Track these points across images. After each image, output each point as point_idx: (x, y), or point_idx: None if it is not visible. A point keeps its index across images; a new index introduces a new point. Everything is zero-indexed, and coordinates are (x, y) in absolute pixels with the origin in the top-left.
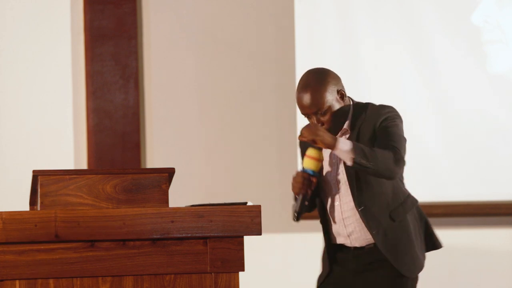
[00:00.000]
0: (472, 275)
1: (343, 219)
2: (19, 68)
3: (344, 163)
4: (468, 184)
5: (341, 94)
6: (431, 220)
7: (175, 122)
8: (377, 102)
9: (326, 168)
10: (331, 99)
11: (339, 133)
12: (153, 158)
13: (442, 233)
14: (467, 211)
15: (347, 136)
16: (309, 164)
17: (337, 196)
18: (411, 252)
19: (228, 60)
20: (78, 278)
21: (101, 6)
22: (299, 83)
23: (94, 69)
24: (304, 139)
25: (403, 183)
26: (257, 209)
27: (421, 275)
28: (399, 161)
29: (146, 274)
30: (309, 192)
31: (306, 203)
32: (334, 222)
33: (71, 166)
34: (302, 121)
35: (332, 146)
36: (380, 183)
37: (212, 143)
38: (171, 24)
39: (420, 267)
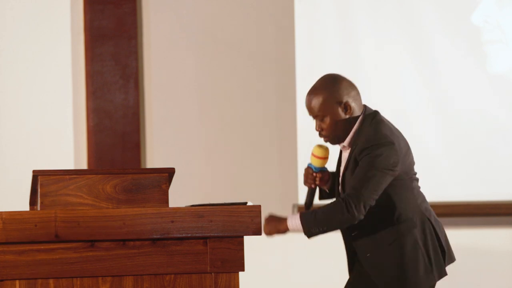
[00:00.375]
0: (472, 275)
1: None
2: (19, 68)
3: (341, 178)
4: (468, 184)
5: (346, 106)
6: None
7: (175, 122)
8: (377, 102)
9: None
10: (331, 107)
11: (340, 146)
12: (153, 158)
13: None
14: (467, 211)
15: (347, 152)
16: (312, 161)
17: None
18: (402, 278)
19: (228, 60)
20: (78, 278)
21: (101, 6)
22: None
23: (94, 69)
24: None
25: (410, 204)
26: (257, 209)
27: None
28: (354, 207)
29: (146, 274)
30: (314, 186)
31: (327, 190)
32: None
33: (71, 166)
34: (302, 121)
35: (286, 230)
36: (371, 212)
37: (212, 143)
38: (171, 24)
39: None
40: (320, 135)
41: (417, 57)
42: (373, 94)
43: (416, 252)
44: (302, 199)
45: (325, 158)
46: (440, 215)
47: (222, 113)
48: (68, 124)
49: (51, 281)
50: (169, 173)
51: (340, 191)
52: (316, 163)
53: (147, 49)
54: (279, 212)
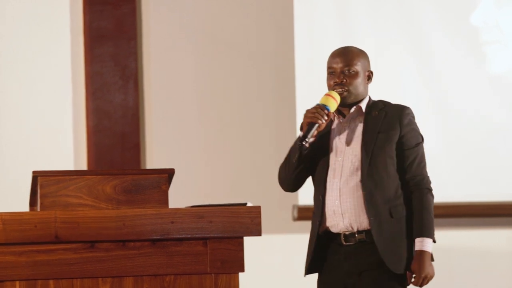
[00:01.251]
0: (471, 276)
1: (339, 196)
2: (19, 69)
3: (364, 142)
4: (468, 184)
5: (369, 74)
6: None
7: (174, 123)
8: None
9: (338, 142)
10: (363, 67)
11: (353, 108)
12: (153, 159)
13: (441, 234)
14: (467, 212)
15: (362, 118)
16: (328, 101)
17: (338, 172)
18: (402, 250)
19: (228, 60)
20: (78, 279)
21: (101, 7)
22: None
23: (93, 70)
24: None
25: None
26: (257, 210)
27: None
28: (430, 186)
29: (146, 275)
30: (321, 121)
31: (307, 144)
32: (331, 199)
33: (70, 167)
34: (301, 120)
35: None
36: (389, 177)
37: (212, 144)
38: (171, 24)
39: (407, 267)
40: (340, 85)
41: (417, 57)
42: (373, 94)
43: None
44: (302, 200)
45: (338, 104)
46: (439, 215)
47: (221, 114)
48: (68, 125)
49: (51, 282)
50: (169, 173)
51: (360, 150)
52: (331, 104)
53: (146, 50)
54: (279, 212)
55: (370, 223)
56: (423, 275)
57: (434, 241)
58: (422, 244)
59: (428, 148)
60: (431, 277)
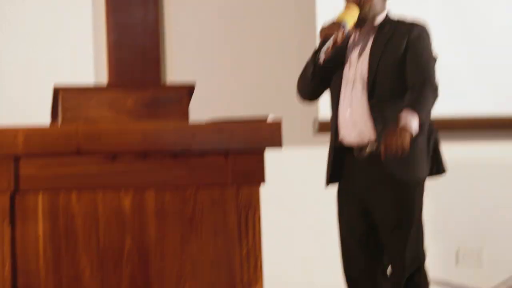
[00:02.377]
0: None
1: (350, 106)
2: None
3: (371, 54)
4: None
5: None
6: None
7: (195, 37)
8: None
9: (352, 55)
10: None
11: (366, 26)
12: (173, 74)
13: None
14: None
15: (373, 34)
16: (344, 16)
17: (350, 84)
18: (412, 157)
19: None
20: (101, 191)
21: None
22: None
23: None
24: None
25: None
26: (277, 123)
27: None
28: (436, 89)
29: (167, 187)
30: (334, 38)
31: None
32: (343, 109)
33: (91, 82)
34: None
35: (412, 133)
36: (396, 85)
37: (233, 58)
38: None
39: (417, 177)
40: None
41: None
42: None
43: (422, 145)
44: (322, 113)
45: (355, 18)
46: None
47: (243, 27)
48: (88, 40)
49: (73, 192)
50: (190, 88)
51: (367, 64)
52: (349, 19)
53: None
54: (300, 125)
55: (376, 133)
56: (388, 138)
57: (421, 123)
58: (407, 116)
59: (450, 62)
60: (401, 147)
